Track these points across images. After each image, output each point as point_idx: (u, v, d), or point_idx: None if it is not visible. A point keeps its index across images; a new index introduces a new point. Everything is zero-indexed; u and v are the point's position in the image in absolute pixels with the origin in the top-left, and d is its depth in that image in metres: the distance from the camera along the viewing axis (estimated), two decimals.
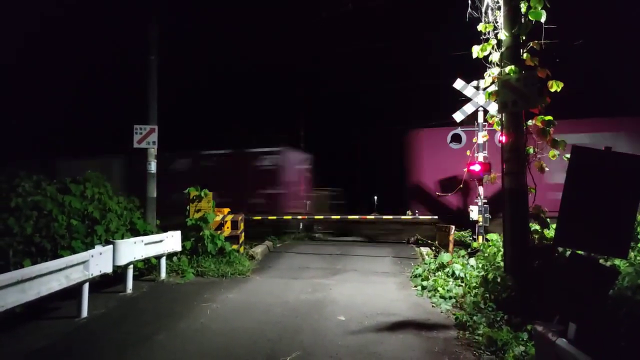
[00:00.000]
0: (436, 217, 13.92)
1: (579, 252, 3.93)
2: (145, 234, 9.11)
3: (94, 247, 7.04)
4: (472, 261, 8.49)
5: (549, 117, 6.32)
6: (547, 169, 6.62)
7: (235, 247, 10.98)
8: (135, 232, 9.15)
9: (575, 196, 3.89)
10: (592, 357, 3.11)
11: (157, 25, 10.92)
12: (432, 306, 7.06)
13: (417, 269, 9.32)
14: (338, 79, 23.19)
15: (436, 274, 8.58)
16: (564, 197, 3.91)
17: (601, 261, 4.24)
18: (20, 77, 18.80)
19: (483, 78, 7.27)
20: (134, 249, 7.78)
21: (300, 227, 17.91)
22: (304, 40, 20.61)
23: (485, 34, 6.89)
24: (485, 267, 7.34)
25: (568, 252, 4.59)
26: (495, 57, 6.73)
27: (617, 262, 5.54)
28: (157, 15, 10.92)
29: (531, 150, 6.56)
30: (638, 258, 5.95)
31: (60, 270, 5.92)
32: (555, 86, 6.30)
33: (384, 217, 15.14)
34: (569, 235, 3.94)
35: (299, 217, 16.01)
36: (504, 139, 6.42)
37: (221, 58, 20.59)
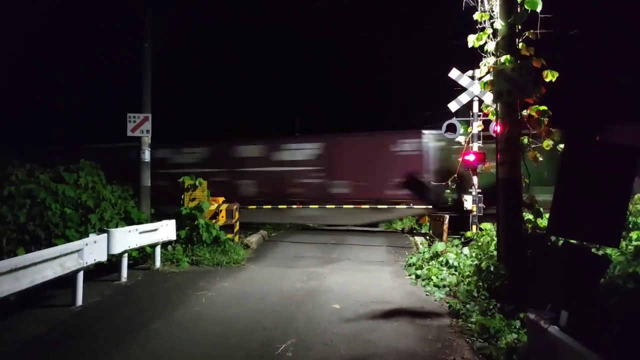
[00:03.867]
0: (431, 206, 13.98)
1: (572, 241, 3.97)
2: (140, 222, 9.09)
3: (88, 236, 7.03)
4: (466, 250, 8.56)
5: (544, 107, 6.33)
6: (540, 158, 6.65)
7: (230, 236, 10.98)
8: (129, 221, 9.12)
9: (568, 186, 3.91)
10: (584, 344, 3.15)
11: (151, 11, 10.78)
12: (426, 294, 7.12)
13: (411, 258, 9.38)
14: (333, 72, 23.11)
15: (430, 262, 8.64)
16: (558, 186, 3.94)
17: (593, 250, 4.28)
18: None
19: (478, 67, 7.26)
20: (128, 238, 7.76)
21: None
22: (299, 33, 20.52)
23: (481, 23, 6.86)
24: (479, 256, 7.39)
25: (561, 241, 4.63)
26: (490, 46, 6.71)
27: (608, 251, 5.60)
28: (152, 6, 10.78)
29: (525, 140, 6.58)
30: (629, 247, 6.01)
31: (54, 258, 5.90)
32: (550, 76, 6.30)
33: (379, 206, 15.18)
34: (561, 224, 3.97)
35: (294, 206, 16.02)
36: (498, 128, 6.43)
37: (217, 52, 20.48)
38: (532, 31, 6.27)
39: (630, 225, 7.03)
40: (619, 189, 3.73)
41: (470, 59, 8.12)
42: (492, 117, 7.24)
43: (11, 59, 17.59)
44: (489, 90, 7.12)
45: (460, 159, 10.47)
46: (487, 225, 8.39)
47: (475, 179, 10.63)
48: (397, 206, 14.73)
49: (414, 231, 14.86)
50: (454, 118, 11.06)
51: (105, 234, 7.23)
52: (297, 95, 22.91)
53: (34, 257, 5.59)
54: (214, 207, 11.21)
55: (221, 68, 22.05)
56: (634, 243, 6.21)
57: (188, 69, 20.11)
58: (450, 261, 8.19)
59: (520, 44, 6.36)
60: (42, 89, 20.35)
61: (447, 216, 11.27)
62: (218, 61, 21.15)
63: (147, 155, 10.61)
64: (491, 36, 6.73)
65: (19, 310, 6.02)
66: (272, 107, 23.78)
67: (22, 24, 17.35)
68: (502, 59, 6.21)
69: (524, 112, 6.44)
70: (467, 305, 5.99)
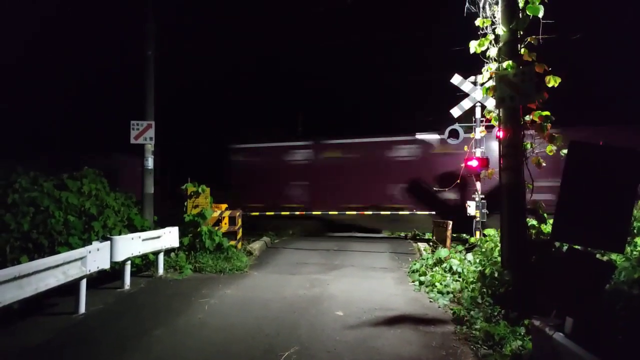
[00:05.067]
0: (433, 212, 13.96)
1: (576, 246, 3.94)
2: (143, 230, 9.10)
3: (91, 243, 7.03)
4: (470, 256, 8.52)
5: (547, 113, 6.32)
6: (544, 164, 6.63)
7: (233, 243, 10.98)
8: (132, 228, 9.13)
9: (573, 191, 3.90)
10: (589, 351, 3.12)
11: (154, 20, 10.85)
12: (430, 301, 7.08)
13: (414, 264, 9.35)
14: (336, 74, 23.05)
15: (434, 269, 8.60)
16: (561, 192, 3.93)
17: (598, 256, 4.26)
18: None
19: (481, 73, 7.26)
20: (131, 245, 7.76)
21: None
22: (301, 32, 20.56)
23: (483, 29, 6.88)
24: (483, 262, 7.36)
25: (565, 247, 4.60)
26: (493, 52, 6.72)
27: (613, 256, 5.56)
28: (153, 9, 10.84)
29: (529, 146, 6.57)
30: (634, 253, 5.96)
31: (57, 266, 5.90)
32: (552, 81, 6.30)
33: (382, 212, 15.16)
34: (566, 230, 3.95)
35: (297, 212, 16.02)
36: (501, 134, 6.43)
37: (217, 51, 20.48)
38: (534, 37, 6.28)
39: (635, 231, 6.98)
40: (623, 193, 3.72)
41: (472, 65, 8.13)
42: (494, 123, 7.23)
43: (12, 63, 17.59)
44: (492, 96, 7.12)
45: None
46: (491, 231, 8.37)
47: (478, 185, 10.63)
48: None
49: (417, 237, 14.82)
50: (456, 123, 11.08)
51: (109, 242, 7.23)
52: (299, 95, 22.93)
53: (37, 265, 5.60)
54: (216, 214, 11.22)
55: (222, 67, 22.04)
56: (639, 249, 6.17)
57: (187, 67, 20.06)
58: (454, 267, 8.16)
59: (523, 50, 6.36)
60: (42, 93, 20.27)
61: (451, 222, 11.24)
62: (219, 60, 21.13)
63: (150, 163, 10.62)
64: (493, 42, 6.74)
65: (22, 318, 6.01)
66: (274, 106, 23.78)
67: (23, 27, 17.39)
68: (505, 64, 6.22)
69: (527, 118, 6.44)
70: (471, 312, 5.95)
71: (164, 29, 11.22)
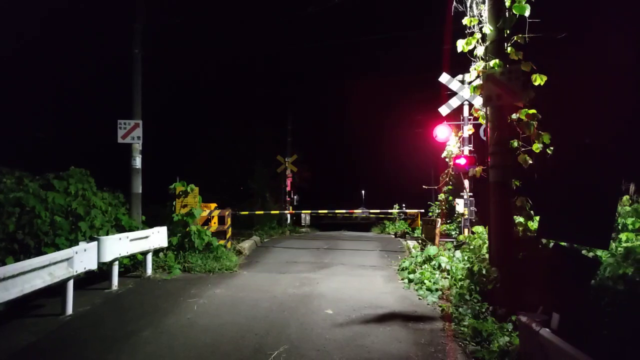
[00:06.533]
0: (423, 210, 14.04)
1: (562, 243, 3.99)
2: (131, 230, 9.02)
3: (78, 244, 6.95)
4: (458, 254, 8.57)
5: (533, 111, 6.38)
6: (530, 162, 6.69)
7: (222, 242, 10.93)
8: (120, 229, 9.04)
9: (558, 188, 3.95)
10: (575, 346, 3.16)
11: (146, 19, 10.76)
12: (419, 298, 7.12)
13: (404, 262, 9.39)
14: (328, 75, 23.10)
15: (423, 266, 8.65)
16: (547, 189, 3.97)
17: (583, 252, 4.31)
18: None
19: (468, 72, 7.30)
20: (119, 245, 7.69)
21: (288, 221, 17.93)
22: (292, 34, 20.55)
23: (470, 28, 6.91)
24: (471, 260, 7.41)
25: (552, 244, 4.65)
26: (480, 51, 6.76)
27: (599, 252, 5.63)
28: (141, 9, 10.75)
29: (516, 144, 6.63)
30: (619, 249, 6.04)
31: (43, 267, 5.83)
32: (539, 80, 6.36)
33: (371, 211, 15.21)
34: (552, 227, 4.00)
35: (286, 212, 16.01)
36: (488, 132, 6.47)
37: (206, 52, 20.32)
38: (520, 35, 6.33)
39: (620, 227, 7.08)
40: (607, 191, 3.77)
41: (459, 63, 8.17)
42: (482, 121, 7.28)
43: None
44: (479, 94, 7.17)
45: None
46: (479, 229, 8.42)
47: (466, 183, 10.70)
48: None
49: (407, 235, 14.89)
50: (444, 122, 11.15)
51: (96, 242, 7.16)
52: (288, 95, 22.93)
53: (23, 266, 5.52)
54: (205, 213, 11.16)
55: (211, 67, 21.91)
56: (624, 244, 6.24)
57: (174, 68, 19.89)
58: (443, 265, 8.21)
59: (509, 49, 6.41)
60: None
61: (439, 220, 11.31)
62: (208, 60, 21.02)
63: (137, 162, 10.54)
64: (480, 41, 6.77)
65: (8, 320, 5.93)
66: (262, 107, 23.69)
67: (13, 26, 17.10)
68: (491, 63, 6.26)
69: (514, 116, 6.49)
70: (460, 309, 6.00)
71: (152, 27, 11.12)
